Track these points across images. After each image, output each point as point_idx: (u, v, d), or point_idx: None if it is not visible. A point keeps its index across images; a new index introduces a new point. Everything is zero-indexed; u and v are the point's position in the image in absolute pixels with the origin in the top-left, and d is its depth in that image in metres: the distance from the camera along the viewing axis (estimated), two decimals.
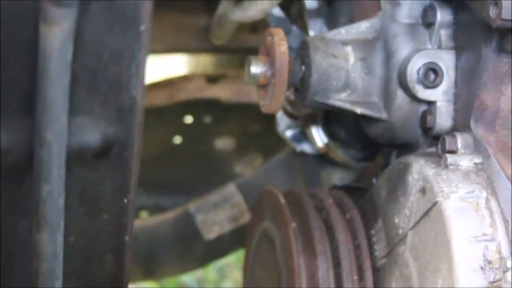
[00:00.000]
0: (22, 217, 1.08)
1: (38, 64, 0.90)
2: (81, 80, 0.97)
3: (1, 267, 1.11)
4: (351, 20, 1.50)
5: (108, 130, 1.01)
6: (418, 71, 1.29)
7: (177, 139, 2.38)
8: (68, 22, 0.87)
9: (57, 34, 0.87)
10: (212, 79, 2.35)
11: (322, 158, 1.69)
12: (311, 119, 1.62)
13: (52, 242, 0.99)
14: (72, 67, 0.91)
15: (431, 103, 1.30)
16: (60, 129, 0.93)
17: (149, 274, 2.05)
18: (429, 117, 1.30)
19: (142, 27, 0.94)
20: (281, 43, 1.31)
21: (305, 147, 1.69)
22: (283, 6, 1.59)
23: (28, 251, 1.04)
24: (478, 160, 1.21)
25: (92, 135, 1.00)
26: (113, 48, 0.96)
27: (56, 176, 0.95)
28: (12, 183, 1.05)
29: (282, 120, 1.68)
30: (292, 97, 1.62)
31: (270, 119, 1.73)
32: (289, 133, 1.69)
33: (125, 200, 1.07)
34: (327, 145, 1.61)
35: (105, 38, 0.95)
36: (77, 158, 1.01)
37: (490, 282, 1.13)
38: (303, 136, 1.68)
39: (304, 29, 1.55)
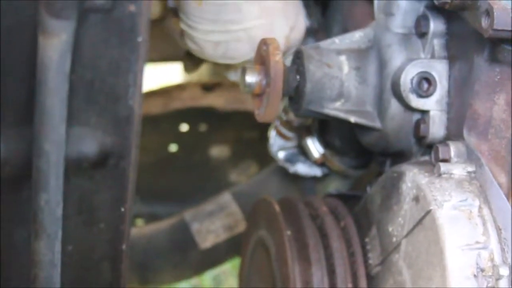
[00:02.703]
0: (20, 226, 1.09)
1: (37, 75, 0.91)
2: (78, 91, 0.98)
3: None
4: (345, 30, 1.51)
5: (106, 140, 1.01)
6: (411, 80, 1.30)
7: (173, 147, 2.39)
8: (67, 33, 0.88)
9: (56, 46, 0.89)
10: (207, 88, 2.36)
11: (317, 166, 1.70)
12: (306, 131, 1.63)
13: (50, 251, 1.00)
14: (70, 78, 0.92)
15: (424, 112, 1.31)
16: (58, 139, 0.93)
17: (144, 282, 2.05)
18: (422, 126, 1.31)
19: (139, 39, 0.95)
20: (275, 52, 1.32)
21: (299, 168, 1.70)
22: None
23: (26, 259, 1.05)
24: (471, 168, 1.22)
25: (89, 145, 1.01)
26: (110, 59, 0.97)
27: (54, 186, 0.96)
28: (10, 192, 1.06)
29: (275, 142, 1.69)
30: (285, 118, 1.64)
31: (266, 127, 1.74)
32: (282, 155, 1.70)
33: (122, 209, 1.08)
34: (323, 155, 1.62)
35: (103, 50, 0.96)
36: (74, 167, 1.02)
37: None
38: (297, 157, 1.69)
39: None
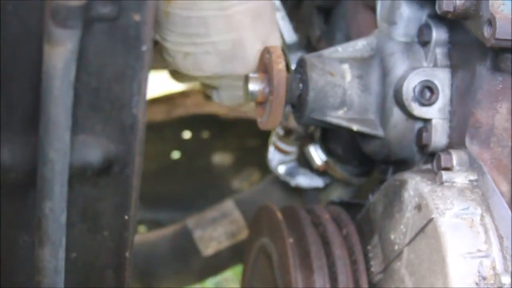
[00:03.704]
0: (24, 232, 1.09)
1: (42, 83, 0.92)
2: (83, 99, 0.98)
3: (2, 282, 1.13)
4: (348, 38, 1.52)
5: (110, 147, 1.02)
6: (414, 89, 1.30)
7: (176, 154, 2.39)
8: (72, 42, 0.89)
9: (61, 54, 0.89)
10: None
11: (320, 175, 1.70)
12: (308, 138, 1.63)
13: (54, 258, 1.00)
14: (75, 86, 0.93)
15: (426, 121, 1.32)
16: (63, 147, 0.94)
17: None
18: (424, 135, 1.32)
19: (144, 47, 0.95)
20: (278, 60, 1.33)
21: (300, 181, 1.70)
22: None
23: (30, 266, 1.05)
24: (473, 177, 1.22)
25: (94, 152, 1.01)
26: (115, 67, 0.97)
27: (58, 193, 0.96)
28: (14, 199, 1.06)
29: (274, 156, 1.70)
30: (282, 133, 1.65)
31: (268, 134, 1.75)
32: (282, 169, 1.70)
33: (126, 217, 1.08)
34: (325, 162, 1.62)
35: (107, 58, 0.97)
36: (79, 175, 1.02)
37: None
38: (297, 170, 1.69)
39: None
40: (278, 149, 1.68)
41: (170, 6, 1.36)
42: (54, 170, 0.95)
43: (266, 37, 1.44)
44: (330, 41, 1.58)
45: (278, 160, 1.69)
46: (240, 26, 1.39)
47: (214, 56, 1.40)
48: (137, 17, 0.94)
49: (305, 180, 1.69)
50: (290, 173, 1.70)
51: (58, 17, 0.87)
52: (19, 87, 0.98)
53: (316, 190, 1.75)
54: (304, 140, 1.65)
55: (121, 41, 0.96)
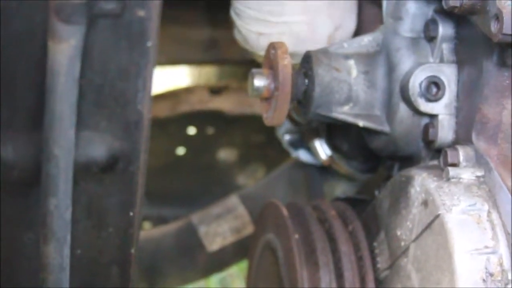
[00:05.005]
0: (28, 230, 1.09)
1: (46, 80, 0.91)
2: (88, 96, 0.98)
3: (7, 279, 1.13)
4: (354, 33, 1.51)
5: (115, 144, 1.02)
6: (420, 84, 1.30)
7: (180, 150, 2.39)
8: (76, 39, 0.88)
9: (65, 51, 0.89)
10: (215, 91, 2.37)
11: (325, 170, 1.70)
12: (314, 132, 1.63)
13: (59, 255, 1.00)
14: (79, 83, 0.93)
15: (433, 117, 1.31)
16: (68, 144, 0.94)
17: (151, 284, 2.06)
18: (431, 130, 1.31)
19: (149, 43, 0.95)
20: (284, 56, 1.32)
21: (301, 154, 1.69)
22: None
23: (35, 263, 1.05)
24: (479, 173, 1.22)
25: (98, 149, 1.01)
26: (119, 64, 0.97)
27: (63, 190, 0.96)
28: (19, 196, 1.06)
29: (283, 124, 1.69)
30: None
31: (273, 130, 1.75)
32: (287, 138, 1.70)
33: (131, 213, 1.08)
34: (330, 157, 1.61)
35: (112, 54, 0.96)
36: (83, 172, 1.02)
37: None
38: (301, 143, 1.69)
39: None
40: (289, 117, 1.67)
41: None
42: (59, 166, 0.95)
43: (340, 22, 1.46)
44: None
45: (286, 128, 1.69)
46: (316, 9, 1.41)
47: (288, 37, 1.42)
48: (141, 13, 0.94)
49: (305, 155, 1.69)
50: (294, 144, 1.69)
51: (62, 14, 0.87)
52: (22, 85, 0.98)
53: (321, 185, 1.75)
54: (309, 134, 1.65)
55: (126, 37, 0.95)
